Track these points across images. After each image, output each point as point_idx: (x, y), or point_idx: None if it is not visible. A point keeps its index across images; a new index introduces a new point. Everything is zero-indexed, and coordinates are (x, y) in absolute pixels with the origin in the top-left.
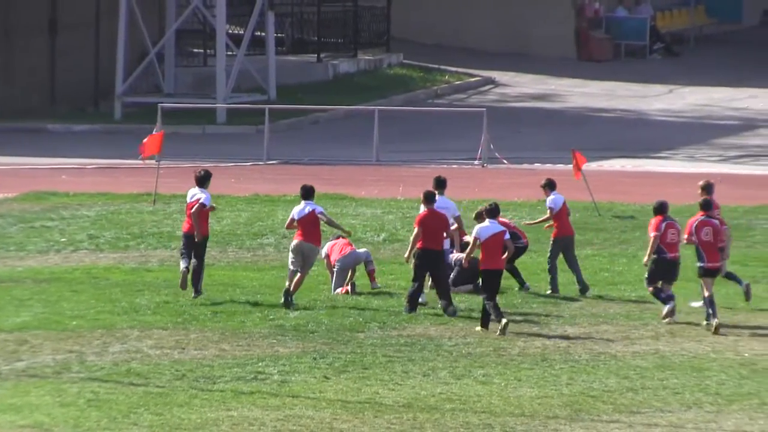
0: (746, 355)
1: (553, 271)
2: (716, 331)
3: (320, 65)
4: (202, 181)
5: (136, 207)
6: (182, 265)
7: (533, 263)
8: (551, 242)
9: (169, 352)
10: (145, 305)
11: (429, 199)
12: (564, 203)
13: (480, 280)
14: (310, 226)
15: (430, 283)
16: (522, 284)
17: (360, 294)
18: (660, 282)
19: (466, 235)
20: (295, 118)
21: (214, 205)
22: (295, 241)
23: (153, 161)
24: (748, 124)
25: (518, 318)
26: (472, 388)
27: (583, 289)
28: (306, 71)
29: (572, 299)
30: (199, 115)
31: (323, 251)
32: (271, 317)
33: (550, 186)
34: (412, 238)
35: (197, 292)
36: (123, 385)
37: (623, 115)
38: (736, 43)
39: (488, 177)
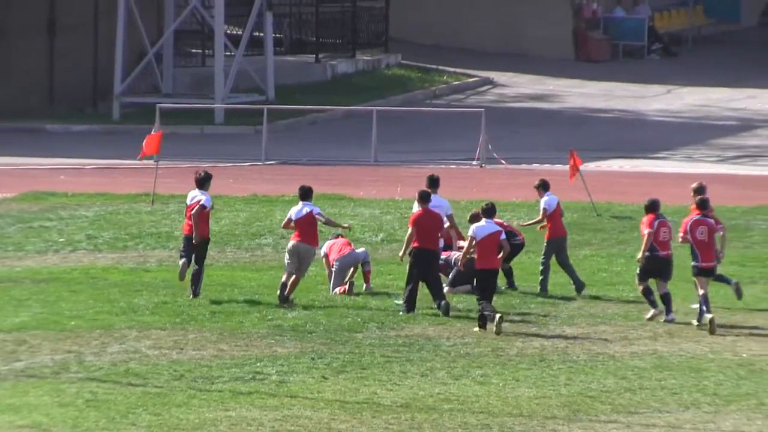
0: (744, 355)
1: (545, 272)
2: (711, 326)
3: (318, 65)
4: (203, 182)
5: (134, 207)
6: (182, 261)
7: (531, 263)
8: (545, 243)
9: (167, 352)
10: (144, 305)
11: (424, 198)
12: (558, 204)
13: (475, 279)
14: (307, 227)
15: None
16: (511, 285)
17: (358, 294)
18: (651, 280)
19: (462, 239)
20: (294, 119)
21: (212, 204)
22: (291, 242)
23: (151, 161)
24: (746, 125)
25: (516, 318)
26: (470, 389)
27: (579, 287)
28: (304, 71)
29: (570, 299)
30: (197, 115)
31: (322, 250)
32: (270, 317)
33: (543, 187)
34: (406, 238)
35: (195, 294)
36: (121, 386)
37: (621, 116)
38: (734, 44)
39: (486, 177)
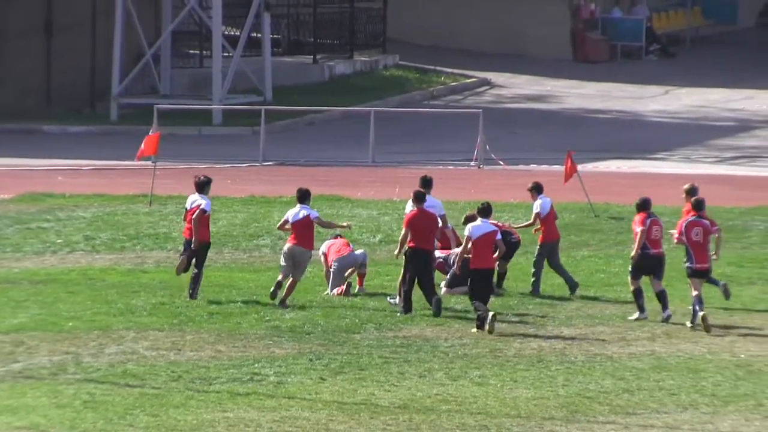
0: (742, 356)
1: (537, 274)
2: (704, 324)
3: (316, 66)
4: (202, 186)
5: (132, 208)
6: (182, 257)
7: (528, 264)
8: (537, 246)
9: (165, 353)
10: (141, 306)
11: (419, 198)
12: (551, 207)
13: (470, 279)
14: (303, 230)
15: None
16: (498, 285)
17: (356, 295)
18: (645, 277)
19: (460, 243)
20: (291, 120)
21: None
22: (287, 245)
23: (149, 162)
24: (744, 126)
25: (514, 319)
26: (468, 390)
27: (573, 287)
28: (302, 72)
29: (567, 300)
30: (195, 116)
31: (321, 249)
32: (267, 318)
33: (537, 190)
34: (400, 239)
35: (192, 296)
36: (119, 387)
37: (619, 117)
38: (732, 45)
39: (484, 178)
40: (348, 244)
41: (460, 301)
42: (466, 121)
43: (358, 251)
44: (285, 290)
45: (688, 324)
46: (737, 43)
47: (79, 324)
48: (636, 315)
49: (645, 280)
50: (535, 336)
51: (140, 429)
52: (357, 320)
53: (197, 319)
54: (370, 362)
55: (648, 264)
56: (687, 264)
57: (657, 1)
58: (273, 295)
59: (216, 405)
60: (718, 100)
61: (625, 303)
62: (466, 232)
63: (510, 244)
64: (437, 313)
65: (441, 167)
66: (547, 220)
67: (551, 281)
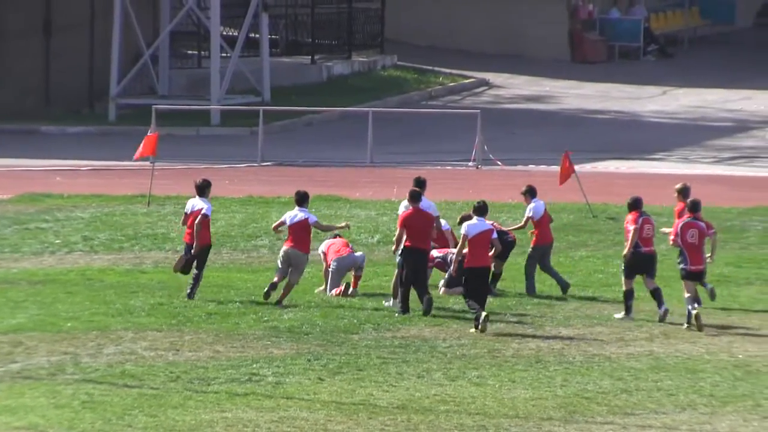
0: (740, 356)
1: (530, 276)
2: (697, 322)
3: (314, 67)
4: (203, 189)
5: (130, 209)
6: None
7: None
8: (530, 249)
9: (163, 353)
10: (140, 307)
11: (415, 198)
12: (545, 210)
13: (464, 278)
14: (300, 233)
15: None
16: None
17: (354, 296)
18: (638, 276)
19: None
20: (289, 120)
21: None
22: (284, 248)
23: (147, 163)
24: (742, 126)
25: (512, 320)
26: (467, 390)
27: (564, 287)
28: (300, 73)
29: (565, 299)
30: (193, 116)
31: (320, 248)
32: (266, 319)
33: (530, 193)
34: (396, 238)
35: (190, 297)
36: (117, 387)
37: (617, 117)
38: (729, 45)
39: (482, 178)
40: (347, 244)
41: (459, 302)
42: (465, 122)
43: (358, 253)
44: (282, 291)
45: (685, 326)
46: (735, 43)
47: (78, 324)
48: (621, 315)
49: (638, 280)
50: (534, 336)
51: (138, 429)
52: (355, 321)
53: (195, 320)
54: (369, 363)
55: (640, 263)
56: (681, 266)
57: (655, 2)
58: (266, 296)
59: (214, 405)
60: (716, 100)
61: (623, 303)
62: (463, 231)
63: (506, 243)
64: (426, 312)
65: (439, 167)
66: (541, 223)
67: (550, 281)
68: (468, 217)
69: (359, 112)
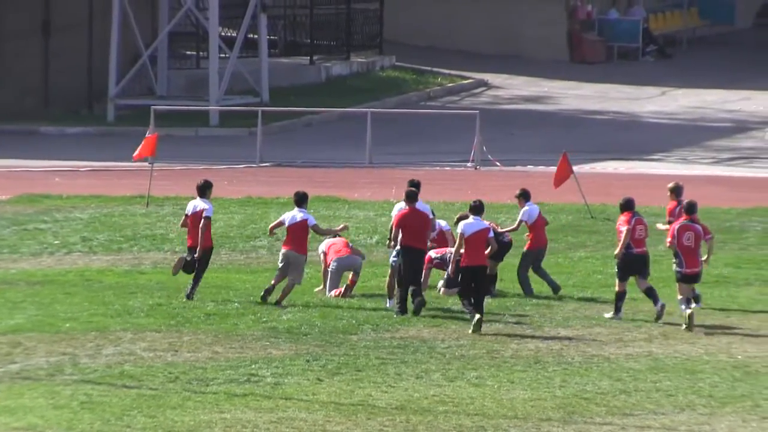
0: (739, 357)
1: (523, 278)
2: (689, 322)
3: (313, 67)
4: (204, 190)
5: (129, 209)
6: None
7: None
8: (523, 252)
9: (162, 354)
10: (138, 308)
11: (411, 198)
12: (539, 214)
13: (460, 276)
14: (298, 233)
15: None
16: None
17: (353, 296)
18: (631, 277)
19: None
20: (288, 121)
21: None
22: (283, 251)
23: (146, 163)
24: (741, 126)
25: (511, 320)
26: (465, 391)
27: (555, 289)
28: (299, 73)
29: (564, 300)
30: (191, 117)
31: (321, 248)
32: (264, 320)
33: (524, 197)
34: (392, 235)
35: (189, 297)
36: (116, 388)
37: (616, 117)
38: (728, 46)
39: (481, 179)
40: (348, 245)
41: (458, 302)
42: (463, 122)
43: (358, 256)
44: (281, 292)
45: (683, 327)
46: (734, 43)
47: (76, 325)
48: (610, 314)
49: (632, 282)
50: (532, 337)
51: (137, 430)
52: (354, 321)
53: (194, 320)
54: (367, 363)
55: (633, 263)
56: (677, 268)
57: (654, 2)
58: (263, 299)
59: (213, 406)
60: (715, 101)
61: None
62: (459, 230)
63: (502, 244)
64: (416, 313)
65: (438, 168)
66: (535, 226)
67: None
68: (464, 217)
69: (358, 112)
